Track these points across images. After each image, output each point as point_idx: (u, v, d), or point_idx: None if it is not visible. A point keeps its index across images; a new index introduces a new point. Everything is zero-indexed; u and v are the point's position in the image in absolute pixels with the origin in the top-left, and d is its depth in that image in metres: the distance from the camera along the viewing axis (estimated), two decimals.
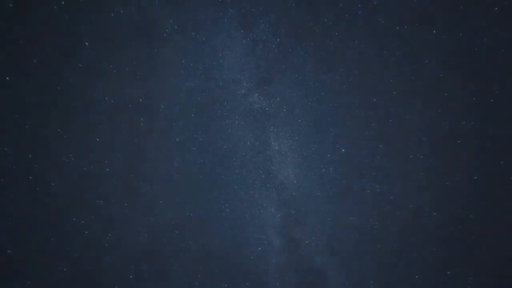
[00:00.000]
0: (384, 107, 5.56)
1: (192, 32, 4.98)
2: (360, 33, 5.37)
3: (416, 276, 5.83)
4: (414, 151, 5.64)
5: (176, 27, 4.93)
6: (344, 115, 5.65)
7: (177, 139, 5.19)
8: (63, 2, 4.35)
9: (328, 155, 5.58)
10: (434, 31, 5.14)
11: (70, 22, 4.48)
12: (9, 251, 4.82)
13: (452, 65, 5.16)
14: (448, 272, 5.82)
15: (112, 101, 4.89)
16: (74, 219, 4.98)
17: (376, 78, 5.56)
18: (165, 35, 4.92)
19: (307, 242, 5.68)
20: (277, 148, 5.48)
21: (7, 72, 4.29)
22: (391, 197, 5.81)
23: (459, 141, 5.47)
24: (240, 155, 5.46)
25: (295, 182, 5.58)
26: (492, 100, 5.16)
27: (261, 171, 5.53)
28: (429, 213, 5.75)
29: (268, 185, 5.57)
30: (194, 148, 5.28)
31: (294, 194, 5.61)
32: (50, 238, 4.90)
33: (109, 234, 5.11)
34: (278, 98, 5.40)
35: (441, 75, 5.34)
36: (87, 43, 4.67)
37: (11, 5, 4.03)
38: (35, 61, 4.34)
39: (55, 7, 4.28)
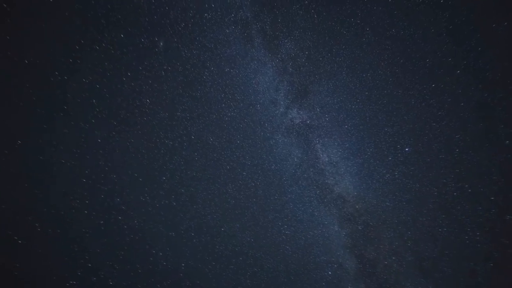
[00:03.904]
0: (448, 91, 4.70)
1: (226, 68, 5.51)
2: (396, 19, 4.91)
3: None
4: (506, 135, 4.42)
5: (212, 68, 5.57)
6: (400, 109, 5.00)
7: (228, 167, 5.49)
8: (128, 72, 5.53)
9: (389, 158, 4.90)
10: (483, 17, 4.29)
11: (131, 78, 5.59)
12: (93, 279, 5.71)
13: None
14: None
15: (170, 143, 5.65)
16: (153, 251, 5.63)
17: (430, 61, 4.84)
18: (204, 77, 5.58)
19: (386, 263, 4.83)
20: (327, 159, 5.16)
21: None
22: (492, 198, 4.54)
23: None
24: (290, 172, 5.34)
25: (355, 193, 5.02)
26: None
27: (315, 186, 5.23)
28: None
29: (325, 200, 5.17)
30: (244, 173, 5.47)
31: (357, 207, 5.01)
32: (135, 265, 5.62)
33: (182, 264, 5.52)
34: (317, 109, 5.23)
35: None
36: (148, 100, 5.69)
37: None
38: (97, 110, 5.49)
39: (119, 68, 5.44)
